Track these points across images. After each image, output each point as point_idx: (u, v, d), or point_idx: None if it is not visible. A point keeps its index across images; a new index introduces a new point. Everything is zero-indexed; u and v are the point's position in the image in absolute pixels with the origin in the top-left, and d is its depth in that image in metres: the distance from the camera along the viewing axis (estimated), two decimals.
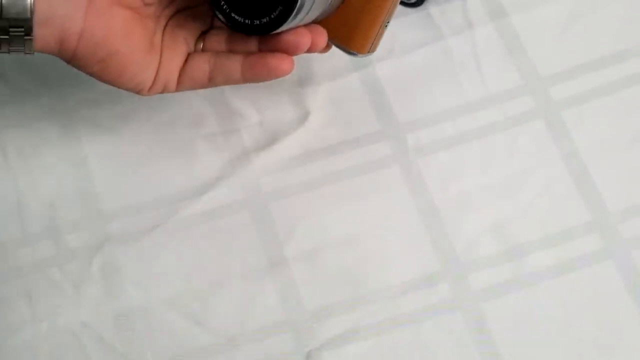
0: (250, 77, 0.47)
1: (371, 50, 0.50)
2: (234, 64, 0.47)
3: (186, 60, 0.48)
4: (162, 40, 0.47)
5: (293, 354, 0.51)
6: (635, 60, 0.57)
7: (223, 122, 0.56)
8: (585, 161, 0.55)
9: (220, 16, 0.44)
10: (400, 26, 0.58)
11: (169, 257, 0.53)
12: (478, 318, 0.51)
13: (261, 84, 0.56)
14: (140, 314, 0.52)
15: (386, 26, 0.49)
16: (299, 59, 0.57)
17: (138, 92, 0.47)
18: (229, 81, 0.48)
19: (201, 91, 0.57)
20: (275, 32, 0.44)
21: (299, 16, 0.43)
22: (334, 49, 0.50)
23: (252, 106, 0.56)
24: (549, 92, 0.56)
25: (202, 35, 0.49)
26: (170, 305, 0.52)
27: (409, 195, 0.54)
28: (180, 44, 0.48)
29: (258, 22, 0.44)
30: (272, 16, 0.43)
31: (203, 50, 0.48)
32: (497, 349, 0.51)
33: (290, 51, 0.46)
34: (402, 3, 0.59)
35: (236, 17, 0.44)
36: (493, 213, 0.54)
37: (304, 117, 0.56)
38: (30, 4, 0.41)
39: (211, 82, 0.48)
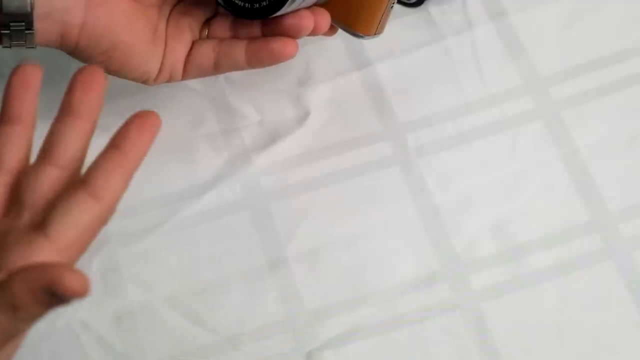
0: (254, 62, 0.48)
1: (377, 32, 0.49)
2: (239, 50, 0.47)
3: (191, 48, 0.48)
4: (167, 29, 0.47)
5: (293, 354, 0.51)
6: (635, 60, 0.57)
7: (223, 122, 0.56)
8: (585, 161, 0.55)
9: (221, 1, 0.45)
10: (400, 26, 0.58)
11: (169, 256, 0.53)
12: (478, 318, 0.51)
13: (261, 83, 0.56)
14: (140, 314, 0.52)
15: (392, 7, 0.49)
16: (299, 59, 0.57)
17: (144, 82, 0.47)
18: (234, 67, 0.48)
19: (201, 90, 0.57)
20: (275, 15, 0.44)
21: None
22: (342, 36, 0.50)
23: (252, 106, 0.56)
24: (549, 92, 0.56)
25: (207, 23, 0.49)
26: (171, 305, 0.52)
27: (409, 195, 0.54)
28: (184, 32, 0.48)
29: (258, 6, 0.44)
30: (270, 1, 0.43)
31: (208, 37, 0.48)
32: (497, 349, 0.51)
33: (293, 34, 0.46)
34: (402, 3, 0.59)
35: (237, 1, 0.44)
36: (493, 213, 0.54)
37: (304, 117, 0.56)
38: None
39: (217, 69, 0.48)
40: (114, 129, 0.56)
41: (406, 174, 0.55)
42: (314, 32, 0.47)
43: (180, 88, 0.56)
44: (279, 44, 0.46)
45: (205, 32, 0.48)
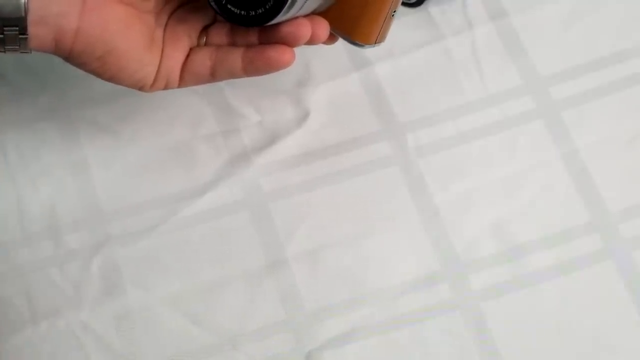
0: (251, 70, 0.47)
1: (378, 41, 0.49)
2: (235, 58, 0.47)
3: (188, 56, 0.48)
4: (164, 35, 0.47)
5: (293, 354, 0.51)
6: (635, 60, 0.57)
7: (223, 122, 0.56)
8: (585, 161, 0.55)
9: (215, 7, 0.44)
10: (400, 26, 0.58)
11: (169, 257, 0.53)
12: (478, 318, 0.51)
13: (261, 83, 0.56)
14: (140, 314, 0.52)
15: (393, 15, 0.49)
16: (299, 60, 0.57)
17: (140, 88, 0.47)
18: (231, 75, 0.48)
19: (201, 91, 0.57)
20: (272, 23, 0.43)
21: (296, 6, 0.43)
22: (341, 45, 0.49)
23: (252, 106, 0.56)
24: (549, 92, 0.56)
25: (205, 30, 0.48)
26: (170, 305, 0.52)
27: (409, 195, 0.54)
28: (182, 39, 0.48)
29: (254, 13, 0.43)
30: (267, 7, 0.43)
31: (206, 44, 0.48)
32: (497, 349, 0.51)
33: (290, 42, 0.46)
34: (402, 3, 0.59)
35: (232, 8, 0.44)
36: (493, 213, 0.54)
37: (304, 117, 0.56)
38: (24, 2, 0.41)
39: (213, 76, 0.48)
40: (114, 129, 0.56)
41: (406, 174, 0.55)
42: (312, 41, 0.46)
43: (180, 89, 0.56)
44: (275, 52, 0.46)
45: (203, 40, 0.48)
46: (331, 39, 0.48)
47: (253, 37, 0.47)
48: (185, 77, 0.48)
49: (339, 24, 0.47)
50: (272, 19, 0.43)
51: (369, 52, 0.58)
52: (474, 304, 0.52)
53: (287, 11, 0.43)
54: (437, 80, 0.57)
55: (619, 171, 0.54)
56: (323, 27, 0.46)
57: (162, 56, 0.47)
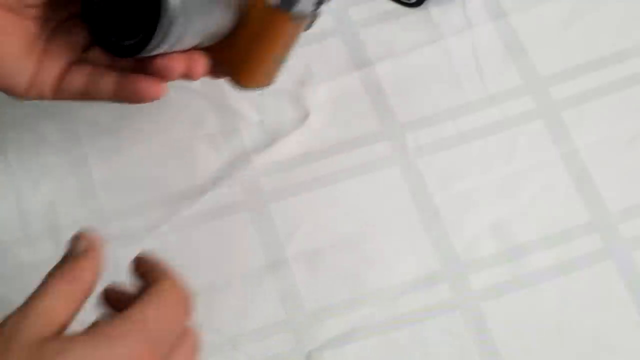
0: (121, 96, 0.45)
1: (260, 85, 0.47)
2: (109, 81, 0.45)
3: (66, 70, 0.45)
4: (45, 45, 0.45)
5: (293, 354, 0.51)
6: (635, 60, 0.57)
7: (223, 122, 0.56)
8: (585, 161, 0.55)
9: (91, 32, 0.43)
10: (400, 26, 0.58)
11: (169, 257, 0.53)
12: (478, 318, 0.51)
13: None
14: None
15: (283, 62, 0.47)
16: (299, 60, 0.57)
17: (11, 95, 0.45)
18: (102, 97, 0.46)
19: (201, 90, 0.57)
20: (142, 55, 0.42)
21: (168, 41, 0.41)
22: None
23: (252, 106, 0.56)
24: (549, 92, 0.56)
25: (90, 46, 0.46)
26: None
27: (409, 195, 0.54)
28: (62, 52, 0.45)
29: (126, 44, 0.41)
30: (137, 39, 0.41)
31: (85, 62, 0.46)
32: (497, 349, 0.51)
33: (162, 75, 0.44)
34: (402, 3, 0.59)
35: (106, 35, 0.42)
36: (493, 213, 0.54)
37: (304, 117, 0.56)
38: None
39: (85, 95, 0.46)
40: (114, 129, 0.56)
41: (406, 174, 0.55)
42: (188, 77, 0.45)
43: (180, 89, 0.56)
44: (145, 84, 0.44)
45: (87, 56, 0.46)
46: (214, 74, 0.47)
47: (129, 63, 0.45)
48: (59, 91, 0.46)
49: (223, 63, 0.46)
50: (140, 52, 0.41)
51: (369, 51, 0.58)
52: (474, 304, 0.52)
53: (158, 46, 0.41)
54: (437, 80, 0.57)
55: (619, 171, 0.54)
56: (200, 64, 0.45)
57: (38, 66, 0.45)
